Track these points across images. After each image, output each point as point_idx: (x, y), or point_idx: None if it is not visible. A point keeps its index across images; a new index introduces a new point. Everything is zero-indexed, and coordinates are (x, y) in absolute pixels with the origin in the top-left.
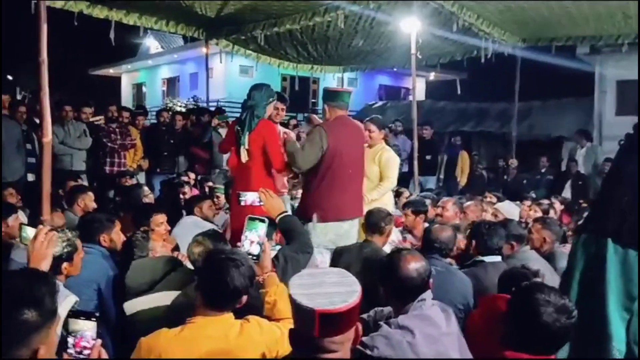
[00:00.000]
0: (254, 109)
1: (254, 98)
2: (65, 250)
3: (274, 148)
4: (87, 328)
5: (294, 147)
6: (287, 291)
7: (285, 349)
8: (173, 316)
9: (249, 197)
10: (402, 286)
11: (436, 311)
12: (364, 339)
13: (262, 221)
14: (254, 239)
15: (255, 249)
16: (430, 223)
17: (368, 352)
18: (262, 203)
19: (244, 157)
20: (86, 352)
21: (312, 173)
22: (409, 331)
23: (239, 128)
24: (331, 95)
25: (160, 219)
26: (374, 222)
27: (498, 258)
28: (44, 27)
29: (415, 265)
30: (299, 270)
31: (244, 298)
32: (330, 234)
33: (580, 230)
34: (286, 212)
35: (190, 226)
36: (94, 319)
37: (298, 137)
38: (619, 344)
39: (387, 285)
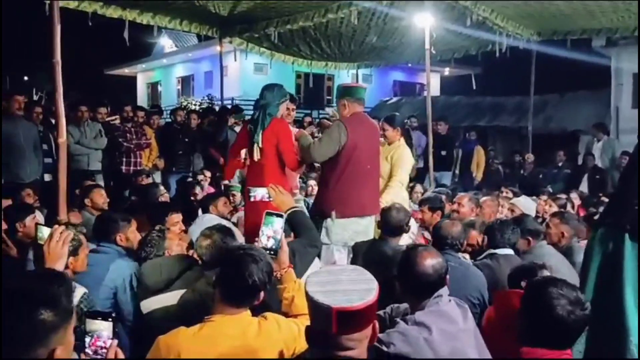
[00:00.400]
0: (266, 108)
1: (265, 97)
2: (70, 245)
3: (288, 147)
4: (103, 328)
5: (308, 140)
6: (304, 288)
7: (303, 345)
8: (182, 313)
9: (259, 193)
10: (418, 282)
11: (453, 307)
12: (380, 335)
13: (280, 216)
14: (271, 234)
15: (272, 244)
16: (446, 219)
17: (384, 348)
18: (271, 199)
19: (256, 155)
20: (102, 352)
21: (330, 169)
22: (426, 327)
23: (251, 127)
24: (349, 91)
25: (175, 218)
26: (397, 224)
27: (510, 251)
28: (58, 28)
29: (431, 261)
30: (307, 264)
31: (262, 294)
32: (349, 231)
33: (597, 224)
34: (296, 207)
35: (206, 224)
36: (111, 319)
37: (312, 136)
38: (636, 338)
39: (403, 282)
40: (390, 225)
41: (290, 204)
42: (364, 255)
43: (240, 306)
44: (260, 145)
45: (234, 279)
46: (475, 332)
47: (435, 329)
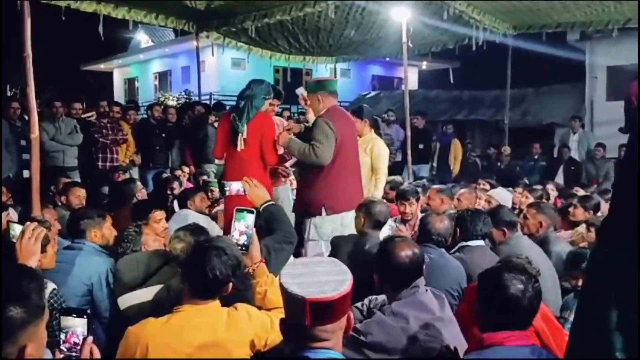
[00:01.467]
0: (252, 99)
1: (253, 89)
2: None
3: (269, 143)
4: (78, 324)
5: (299, 144)
6: (278, 280)
7: (275, 337)
8: (157, 310)
9: (234, 187)
10: (395, 273)
11: (430, 297)
12: (357, 325)
13: (251, 212)
14: (242, 229)
15: (244, 240)
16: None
17: (362, 338)
18: (246, 192)
19: (240, 146)
20: (77, 348)
21: (318, 167)
22: (403, 317)
23: (235, 116)
24: (323, 85)
25: (159, 215)
26: (383, 217)
27: (482, 243)
28: (28, 22)
29: (408, 252)
30: (283, 261)
31: (229, 286)
32: (338, 225)
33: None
34: (270, 201)
35: (184, 219)
36: (85, 316)
37: (306, 129)
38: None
39: (381, 273)
40: (375, 218)
41: (265, 197)
42: (346, 249)
43: (207, 298)
44: (244, 136)
45: (197, 273)
46: (452, 321)
47: (412, 319)
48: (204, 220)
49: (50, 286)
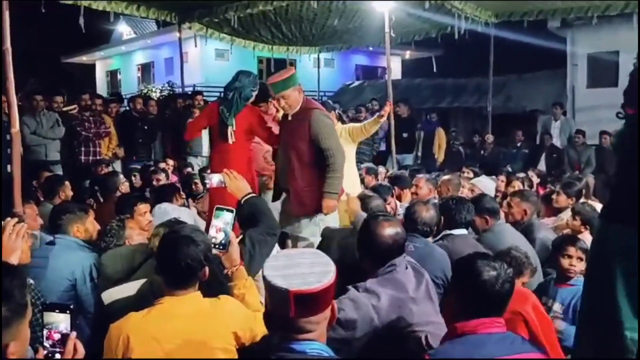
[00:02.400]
0: (241, 91)
1: (241, 81)
2: None
3: (262, 128)
4: (61, 320)
5: (334, 177)
6: (259, 280)
7: (259, 332)
8: (140, 304)
9: (214, 179)
10: (376, 250)
11: (407, 274)
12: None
13: (230, 211)
14: (221, 227)
15: (222, 238)
16: None
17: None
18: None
19: (231, 139)
20: (60, 344)
21: (314, 164)
22: (375, 295)
23: (224, 108)
24: (295, 77)
25: (143, 208)
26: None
27: (465, 231)
28: (7, 15)
29: (390, 230)
30: (267, 254)
31: (205, 271)
32: (336, 218)
33: (605, 217)
34: (251, 193)
35: (164, 214)
36: (68, 312)
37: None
38: (632, 332)
39: (362, 250)
40: (370, 211)
41: (246, 190)
42: (340, 243)
43: (184, 287)
44: (234, 128)
45: (169, 264)
46: (426, 300)
47: (384, 296)
48: (186, 214)
49: (28, 281)
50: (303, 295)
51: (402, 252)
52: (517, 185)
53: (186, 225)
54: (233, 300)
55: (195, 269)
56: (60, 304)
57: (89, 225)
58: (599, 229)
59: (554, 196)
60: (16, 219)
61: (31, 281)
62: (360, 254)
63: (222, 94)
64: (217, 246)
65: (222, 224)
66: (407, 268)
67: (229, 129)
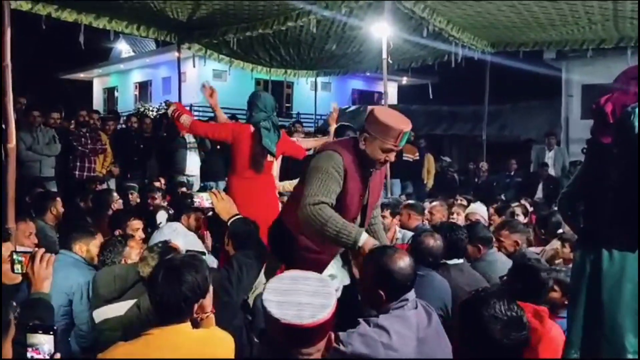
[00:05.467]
0: (272, 119)
1: (266, 107)
2: None
3: (294, 147)
4: (44, 341)
5: None
6: (262, 291)
7: None
8: (128, 328)
9: (204, 198)
10: (393, 283)
11: (418, 313)
12: (340, 334)
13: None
14: None
15: None
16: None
17: (342, 347)
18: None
19: (276, 171)
20: None
21: None
22: (386, 331)
23: (268, 141)
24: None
25: (137, 224)
26: None
27: (461, 260)
28: (8, 31)
29: (404, 263)
30: (255, 276)
31: (199, 302)
32: None
33: (578, 244)
34: (238, 215)
35: (174, 233)
36: (52, 332)
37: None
38: (632, 346)
39: (375, 279)
40: None
41: (233, 211)
42: None
43: (176, 322)
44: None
45: (158, 300)
46: (438, 340)
47: (395, 334)
48: (194, 237)
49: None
50: (294, 328)
51: (412, 287)
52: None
53: (179, 256)
54: (221, 333)
55: (183, 306)
56: (43, 325)
57: (92, 247)
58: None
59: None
60: (43, 249)
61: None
62: (370, 284)
63: (252, 121)
64: None
65: None
66: (417, 306)
67: (274, 161)
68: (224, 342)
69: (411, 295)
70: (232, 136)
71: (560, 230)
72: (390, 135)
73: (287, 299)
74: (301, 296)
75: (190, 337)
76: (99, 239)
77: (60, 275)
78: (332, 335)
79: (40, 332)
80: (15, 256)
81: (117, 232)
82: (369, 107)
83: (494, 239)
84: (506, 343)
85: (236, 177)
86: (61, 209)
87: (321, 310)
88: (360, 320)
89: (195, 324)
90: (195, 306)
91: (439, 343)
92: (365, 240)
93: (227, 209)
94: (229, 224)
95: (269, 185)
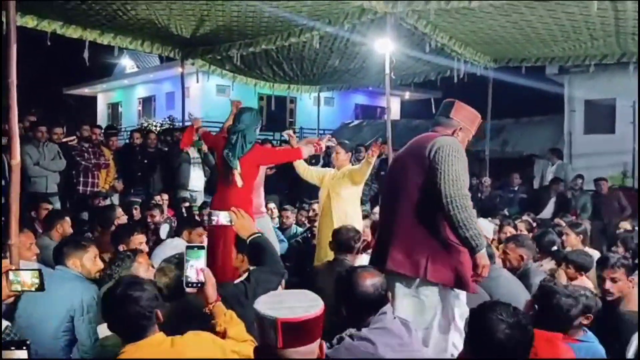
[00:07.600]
0: (245, 133)
1: (244, 122)
2: None
3: (277, 156)
4: (19, 356)
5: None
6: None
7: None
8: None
9: (222, 217)
10: (360, 302)
11: (397, 324)
12: (327, 351)
13: (201, 248)
14: (195, 266)
15: (195, 275)
16: None
17: None
18: (233, 223)
19: (239, 182)
20: None
21: None
22: (371, 343)
23: (228, 152)
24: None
25: (140, 239)
26: (344, 241)
27: None
28: (14, 48)
29: (371, 280)
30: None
31: (158, 315)
32: None
33: None
34: (257, 232)
35: (175, 249)
36: (25, 347)
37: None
38: None
39: (346, 303)
40: (338, 242)
41: (252, 229)
42: (321, 276)
43: (141, 338)
44: (240, 171)
45: (116, 323)
46: (418, 349)
47: (380, 344)
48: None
49: (4, 323)
50: (290, 324)
51: (386, 301)
52: (508, 231)
53: (128, 282)
54: (202, 335)
55: (140, 323)
56: (17, 341)
57: (87, 261)
58: None
59: (563, 237)
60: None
61: (7, 323)
62: (345, 309)
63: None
64: (191, 285)
65: (195, 261)
66: (395, 318)
67: (236, 173)
68: (202, 344)
69: (388, 307)
70: (212, 142)
71: (554, 248)
72: (475, 123)
73: (278, 305)
74: (290, 302)
75: (163, 344)
76: (92, 252)
77: (61, 292)
78: (324, 345)
79: (12, 348)
80: (12, 276)
81: (121, 248)
82: (448, 100)
83: (496, 255)
84: (511, 343)
85: (218, 186)
86: (69, 230)
87: (312, 307)
88: (344, 335)
89: (213, 330)
90: (152, 320)
91: (419, 350)
92: None
93: (246, 226)
94: (248, 241)
95: (243, 195)
